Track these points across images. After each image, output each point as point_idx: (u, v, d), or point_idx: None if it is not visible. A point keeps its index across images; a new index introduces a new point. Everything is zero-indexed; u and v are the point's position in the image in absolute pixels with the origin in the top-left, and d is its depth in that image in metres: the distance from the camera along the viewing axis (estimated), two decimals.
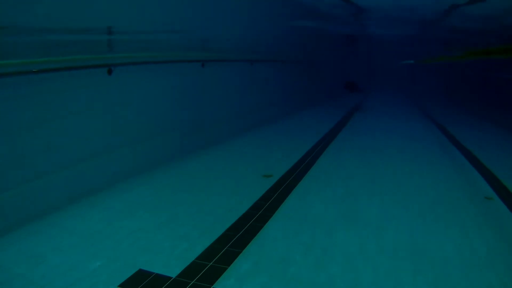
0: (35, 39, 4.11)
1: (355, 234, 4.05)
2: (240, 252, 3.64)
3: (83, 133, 5.08)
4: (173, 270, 3.34)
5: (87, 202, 4.81)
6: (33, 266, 3.40)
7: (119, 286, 3.12)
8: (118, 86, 5.53)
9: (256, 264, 3.44)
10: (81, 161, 5.04)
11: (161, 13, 5.51)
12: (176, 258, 3.54)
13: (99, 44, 5.24)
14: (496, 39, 10.18)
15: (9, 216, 4.13)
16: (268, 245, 3.79)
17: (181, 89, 7.07)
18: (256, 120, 10.06)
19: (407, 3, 7.23)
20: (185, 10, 5.87)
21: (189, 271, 3.33)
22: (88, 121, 5.11)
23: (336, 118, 11.95)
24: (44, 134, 4.54)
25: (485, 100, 13.78)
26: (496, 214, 4.64)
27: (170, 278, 3.22)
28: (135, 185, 5.46)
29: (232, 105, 9.03)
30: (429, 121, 11.81)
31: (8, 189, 4.15)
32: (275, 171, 6.11)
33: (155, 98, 6.39)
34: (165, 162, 6.48)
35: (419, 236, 4.01)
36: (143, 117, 6.13)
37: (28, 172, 4.37)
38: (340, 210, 4.65)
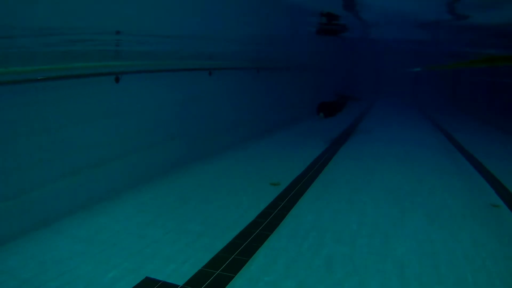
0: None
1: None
2: (247, 260, 3.61)
3: (93, 140, 5.11)
4: (180, 278, 3.31)
5: (94, 209, 4.82)
6: (41, 271, 3.39)
7: None
8: (125, 94, 5.56)
9: (262, 272, 3.41)
10: (91, 167, 5.07)
11: (170, 23, 5.53)
12: (183, 266, 3.51)
13: (106, 52, 5.26)
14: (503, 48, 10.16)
15: (24, 220, 4.18)
16: (275, 253, 3.76)
17: (189, 97, 7.12)
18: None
19: (410, 7, 7.19)
20: (193, 19, 5.88)
21: (196, 279, 3.30)
22: (95, 128, 5.13)
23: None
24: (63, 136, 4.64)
25: (494, 107, 13.70)
26: (503, 222, 4.60)
27: (177, 286, 3.20)
28: (142, 193, 5.46)
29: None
30: (436, 128, 11.73)
31: (14, 197, 4.16)
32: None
33: (160, 106, 6.41)
34: (169, 170, 6.50)
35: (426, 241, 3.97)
36: (149, 124, 6.16)
37: (35, 179, 4.39)
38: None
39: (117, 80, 5.23)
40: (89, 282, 3.25)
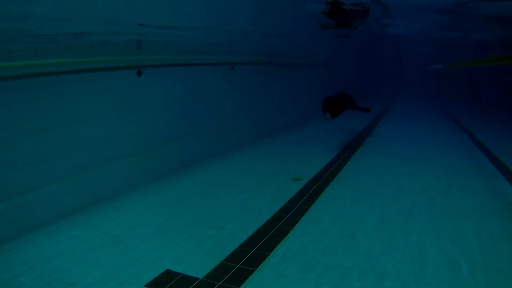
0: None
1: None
2: (268, 254, 3.57)
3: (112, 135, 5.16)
4: (200, 271, 3.29)
5: (115, 203, 4.85)
6: (60, 264, 3.42)
7: (145, 286, 3.09)
8: (146, 88, 5.59)
9: (282, 266, 3.37)
10: (106, 163, 5.12)
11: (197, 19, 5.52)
12: (203, 259, 3.49)
13: (128, 45, 5.28)
14: None
15: (39, 215, 4.21)
16: (295, 248, 3.71)
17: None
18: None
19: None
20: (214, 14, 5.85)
21: (217, 272, 3.27)
22: (114, 123, 5.19)
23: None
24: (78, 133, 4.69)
25: None
26: None
27: (197, 279, 3.18)
28: (163, 186, 5.48)
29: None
30: (458, 129, 11.33)
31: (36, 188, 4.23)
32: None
33: (186, 100, 6.44)
34: (190, 165, 6.51)
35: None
36: (169, 118, 6.21)
37: (55, 171, 4.48)
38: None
39: (139, 73, 5.26)
40: (107, 274, 3.26)
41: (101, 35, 4.42)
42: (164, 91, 6.02)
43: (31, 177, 4.19)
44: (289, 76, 10.73)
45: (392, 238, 3.91)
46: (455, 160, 7.20)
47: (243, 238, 3.90)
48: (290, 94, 10.81)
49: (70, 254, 3.60)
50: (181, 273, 3.26)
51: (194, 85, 6.68)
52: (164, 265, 3.38)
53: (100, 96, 4.94)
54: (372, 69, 21.56)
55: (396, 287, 3.08)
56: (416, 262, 3.45)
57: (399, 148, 8.12)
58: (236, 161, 6.96)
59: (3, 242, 3.78)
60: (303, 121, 11.00)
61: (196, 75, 6.67)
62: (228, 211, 4.63)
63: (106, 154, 5.06)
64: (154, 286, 3.09)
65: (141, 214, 4.54)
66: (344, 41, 13.23)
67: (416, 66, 20.99)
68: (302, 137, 9.30)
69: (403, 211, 4.65)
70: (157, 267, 3.35)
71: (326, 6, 7.79)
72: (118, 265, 3.40)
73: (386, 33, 12.59)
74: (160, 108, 5.97)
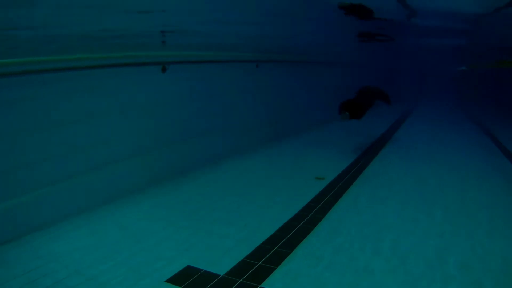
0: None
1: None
2: (289, 253, 3.53)
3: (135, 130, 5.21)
4: (221, 268, 3.28)
5: (134, 199, 4.90)
6: (80, 257, 3.47)
7: (166, 281, 3.10)
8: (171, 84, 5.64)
9: (302, 266, 3.32)
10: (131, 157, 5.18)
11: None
12: (224, 256, 3.48)
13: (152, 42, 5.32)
14: None
15: (61, 207, 4.31)
16: (316, 247, 3.65)
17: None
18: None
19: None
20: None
21: (238, 269, 3.25)
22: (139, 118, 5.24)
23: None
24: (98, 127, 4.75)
25: None
26: None
27: (218, 275, 3.16)
28: (183, 183, 5.52)
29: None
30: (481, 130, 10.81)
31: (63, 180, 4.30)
32: None
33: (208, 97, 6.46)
34: (212, 163, 6.53)
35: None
36: (195, 114, 6.26)
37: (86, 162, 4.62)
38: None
39: (163, 70, 5.30)
40: (128, 269, 3.28)
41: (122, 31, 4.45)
42: (185, 89, 6.06)
43: (54, 171, 4.30)
44: (313, 75, 10.62)
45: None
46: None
47: (266, 236, 3.87)
48: (313, 93, 10.70)
49: (89, 248, 3.65)
50: (202, 269, 3.25)
51: (215, 83, 6.70)
52: (185, 261, 3.39)
53: (122, 92, 5.00)
54: (397, 69, 21.13)
55: None
56: None
57: (423, 153, 7.87)
58: (258, 159, 6.95)
59: (25, 234, 3.90)
60: (325, 121, 10.86)
61: (217, 72, 6.69)
62: (250, 209, 4.61)
63: (124, 150, 5.14)
64: (175, 281, 3.09)
65: (161, 210, 4.57)
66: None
67: (440, 67, 20.43)
68: (323, 137, 9.20)
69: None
70: (178, 263, 3.36)
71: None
72: (139, 260, 3.42)
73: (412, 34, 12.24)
74: (182, 106, 6.01)
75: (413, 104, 16.96)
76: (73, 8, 3.30)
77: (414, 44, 16.48)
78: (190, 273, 3.21)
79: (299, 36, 8.08)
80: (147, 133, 5.41)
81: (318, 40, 9.26)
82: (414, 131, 10.24)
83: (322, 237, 3.84)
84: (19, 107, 3.94)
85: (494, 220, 4.22)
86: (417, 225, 4.11)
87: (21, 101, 3.95)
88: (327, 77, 11.44)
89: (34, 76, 3.97)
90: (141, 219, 4.33)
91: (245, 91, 7.54)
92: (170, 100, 5.73)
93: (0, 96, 3.77)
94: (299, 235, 3.89)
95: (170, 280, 3.10)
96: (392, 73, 20.72)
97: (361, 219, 4.28)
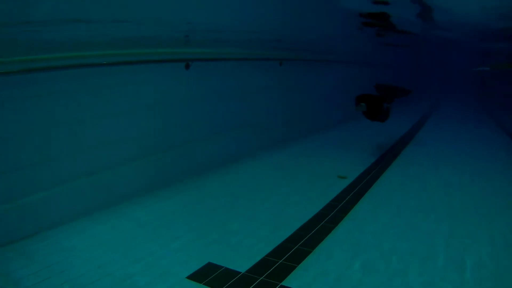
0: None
1: None
2: (311, 251, 3.49)
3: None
4: (242, 265, 3.26)
5: (154, 195, 4.95)
6: (102, 252, 3.51)
7: (187, 277, 3.10)
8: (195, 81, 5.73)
9: (325, 265, 3.28)
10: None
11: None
12: (246, 254, 3.47)
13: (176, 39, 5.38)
14: None
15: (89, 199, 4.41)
16: (338, 247, 3.61)
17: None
18: None
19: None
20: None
21: (259, 267, 3.23)
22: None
23: None
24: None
25: None
26: None
27: (239, 273, 3.15)
28: (207, 180, 5.57)
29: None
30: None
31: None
32: None
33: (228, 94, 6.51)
34: (237, 159, 6.55)
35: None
36: (218, 112, 6.32)
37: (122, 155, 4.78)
38: None
39: (187, 66, 5.34)
40: (148, 265, 3.30)
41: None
42: (211, 86, 6.11)
43: (76, 167, 4.38)
44: (333, 74, 10.53)
45: None
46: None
47: (287, 234, 3.84)
48: (335, 92, 10.60)
49: (110, 243, 3.69)
50: (223, 267, 3.24)
51: (238, 80, 6.72)
52: (206, 258, 3.38)
53: (146, 89, 5.07)
54: (420, 69, 20.81)
55: None
56: None
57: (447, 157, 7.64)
58: (278, 157, 6.93)
59: (50, 227, 3.99)
60: (346, 120, 10.74)
61: (240, 69, 6.71)
62: (271, 207, 4.59)
63: (150, 146, 5.21)
64: (196, 278, 3.09)
65: (183, 207, 4.59)
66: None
67: (463, 68, 19.93)
68: (345, 136, 9.11)
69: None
70: (199, 260, 3.36)
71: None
72: (159, 256, 3.44)
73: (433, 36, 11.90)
74: (207, 103, 6.07)
75: (435, 104, 16.54)
76: None
77: (437, 43, 16.11)
78: (211, 270, 3.20)
79: (321, 37, 8.05)
80: (171, 130, 5.48)
81: (340, 40, 9.22)
82: (435, 133, 9.97)
83: (344, 236, 3.80)
84: (54, 101, 4.06)
85: None
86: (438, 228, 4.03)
87: (55, 95, 4.06)
88: (347, 76, 11.32)
89: (62, 71, 4.03)
90: (162, 215, 4.35)
91: (267, 90, 7.54)
92: (194, 98, 5.80)
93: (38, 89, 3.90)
94: (321, 233, 3.85)
95: (191, 277, 3.11)
96: (415, 72, 20.38)
97: (384, 221, 4.21)
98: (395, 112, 8.58)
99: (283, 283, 3.00)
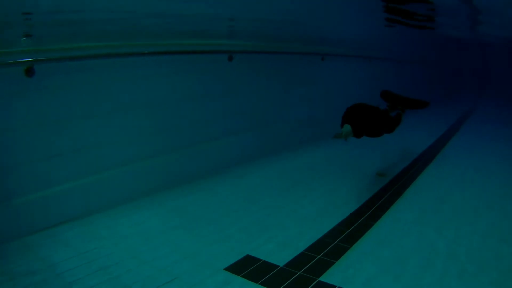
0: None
1: None
2: (349, 247, 3.45)
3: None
4: (280, 259, 3.26)
5: (194, 186, 5.03)
6: (139, 240, 3.59)
7: (225, 269, 3.12)
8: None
9: (363, 261, 3.23)
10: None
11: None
12: (284, 248, 3.46)
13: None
14: None
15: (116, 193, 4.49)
16: (378, 245, 3.54)
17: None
18: None
19: None
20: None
21: (297, 261, 3.22)
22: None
23: None
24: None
25: None
26: None
27: (277, 266, 3.14)
28: (247, 172, 5.65)
29: None
30: None
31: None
32: None
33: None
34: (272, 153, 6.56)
35: None
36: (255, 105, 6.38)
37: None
38: None
39: (230, 59, 5.38)
40: (185, 255, 3.34)
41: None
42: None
43: (116, 156, 4.51)
44: (364, 70, 10.26)
45: None
46: None
47: (326, 229, 3.81)
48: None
49: (146, 232, 3.77)
50: (262, 259, 3.25)
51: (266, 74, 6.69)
52: (244, 250, 3.40)
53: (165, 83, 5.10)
54: (459, 68, 19.92)
55: None
56: None
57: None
58: (311, 155, 6.84)
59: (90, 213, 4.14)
60: None
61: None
62: (309, 202, 4.55)
63: (192, 137, 5.35)
64: (233, 270, 3.11)
65: (220, 201, 4.62)
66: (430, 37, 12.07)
67: (503, 68, 18.91)
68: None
69: None
70: (238, 252, 3.38)
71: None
72: (197, 247, 3.48)
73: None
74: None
75: (473, 105, 15.50)
76: None
77: (478, 42, 15.25)
78: (249, 262, 3.21)
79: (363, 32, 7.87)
80: (196, 125, 5.53)
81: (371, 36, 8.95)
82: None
83: (383, 234, 3.72)
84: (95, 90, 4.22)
85: None
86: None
87: (95, 84, 4.21)
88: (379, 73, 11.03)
89: (99, 61, 4.16)
90: (201, 206, 4.41)
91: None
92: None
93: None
94: (360, 230, 3.79)
95: (229, 269, 3.12)
96: (455, 72, 19.58)
97: (423, 221, 4.11)
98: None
99: (321, 278, 2.98)
